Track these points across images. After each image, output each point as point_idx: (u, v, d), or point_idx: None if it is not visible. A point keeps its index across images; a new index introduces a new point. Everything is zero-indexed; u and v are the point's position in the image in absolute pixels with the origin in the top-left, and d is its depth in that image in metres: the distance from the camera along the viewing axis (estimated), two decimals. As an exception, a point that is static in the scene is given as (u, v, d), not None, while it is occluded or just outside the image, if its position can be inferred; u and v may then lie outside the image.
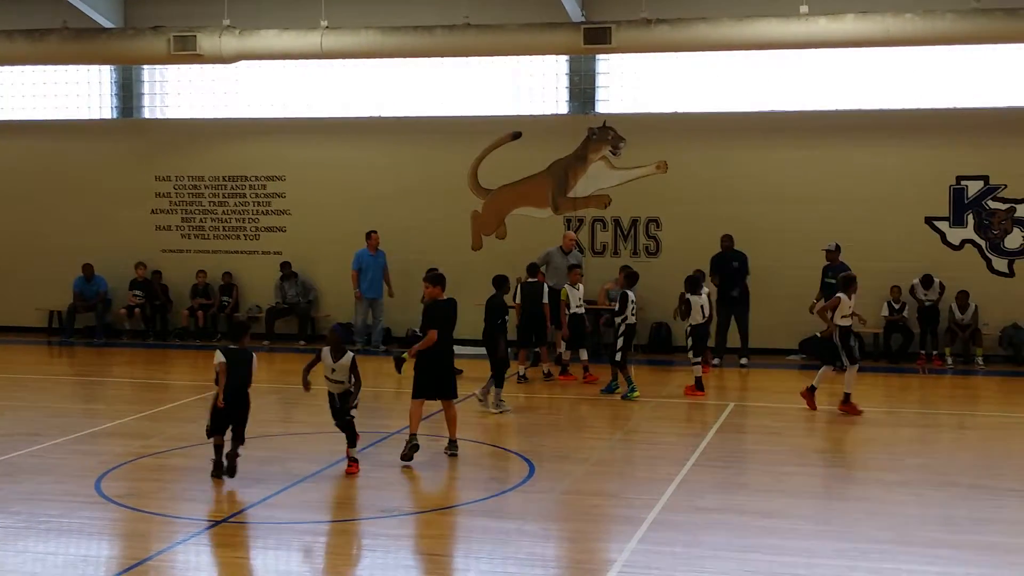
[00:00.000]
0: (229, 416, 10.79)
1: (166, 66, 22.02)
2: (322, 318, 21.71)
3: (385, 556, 9.21)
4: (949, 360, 19.00)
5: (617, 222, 20.66)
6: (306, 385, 11.16)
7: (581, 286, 17.47)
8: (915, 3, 17.47)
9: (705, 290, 16.73)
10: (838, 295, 14.90)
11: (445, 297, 11.94)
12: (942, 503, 10.53)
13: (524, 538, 9.39)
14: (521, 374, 17.44)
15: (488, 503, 10.42)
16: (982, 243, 19.38)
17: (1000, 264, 19.35)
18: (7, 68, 22.67)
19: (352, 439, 11.17)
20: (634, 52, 19.17)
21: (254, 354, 11.07)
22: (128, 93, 22.76)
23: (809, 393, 14.95)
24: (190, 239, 22.51)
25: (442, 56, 19.86)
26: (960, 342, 19.16)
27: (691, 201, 20.22)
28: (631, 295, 15.97)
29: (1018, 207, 19.23)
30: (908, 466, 12.10)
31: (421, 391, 11.78)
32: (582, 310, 17.39)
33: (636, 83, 20.70)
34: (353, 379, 11.10)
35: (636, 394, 15.60)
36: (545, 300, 16.93)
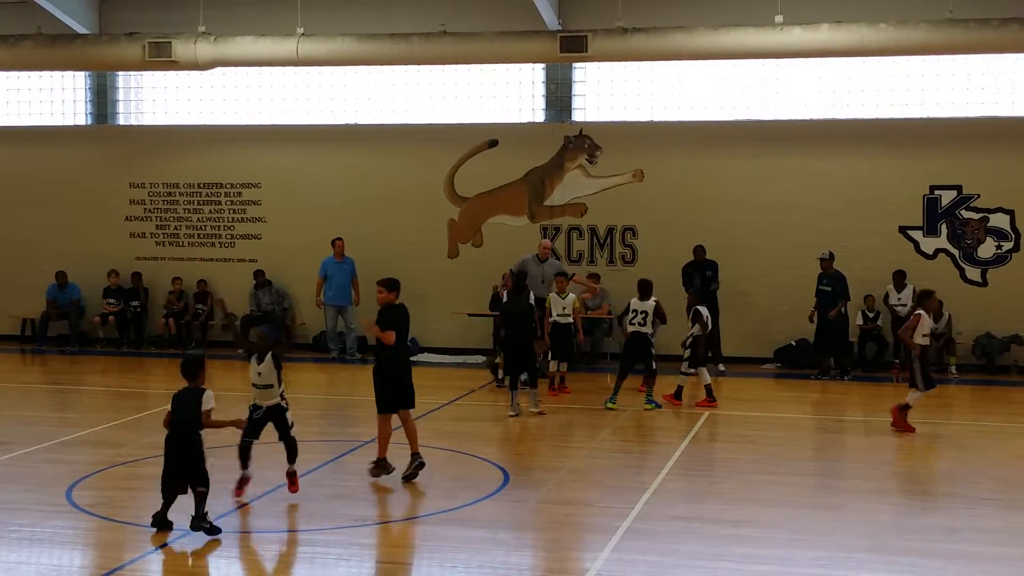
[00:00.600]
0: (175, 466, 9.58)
1: (141, 72, 21.90)
2: (297, 326, 21.64)
3: (359, 565, 9.17)
4: (923, 369, 19.05)
5: (593, 230, 20.68)
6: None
7: (571, 295, 17.01)
8: (889, 13, 17.58)
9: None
10: (917, 312, 13.97)
11: (398, 303, 11.51)
12: (916, 512, 10.57)
13: (498, 547, 9.37)
14: (499, 379, 17.45)
15: (462, 512, 10.39)
16: (956, 252, 19.49)
17: (973, 273, 19.46)
18: (-19, 74, 22.52)
19: (293, 455, 10.63)
20: (610, 61, 19.21)
21: (206, 392, 9.63)
22: (103, 99, 22.63)
23: (901, 413, 14.07)
24: (165, 246, 22.39)
25: (418, 64, 19.85)
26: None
27: (667, 210, 20.25)
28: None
29: (991, 216, 19.34)
30: (883, 475, 12.15)
31: (385, 404, 11.41)
32: (569, 319, 16.86)
33: (612, 92, 20.73)
34: (278, 375, 10.52)
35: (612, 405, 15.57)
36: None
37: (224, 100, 22.16)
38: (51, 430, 14.17)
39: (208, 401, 9.54)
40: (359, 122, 21.52)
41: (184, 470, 9.49)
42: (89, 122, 22.78)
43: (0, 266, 22.73)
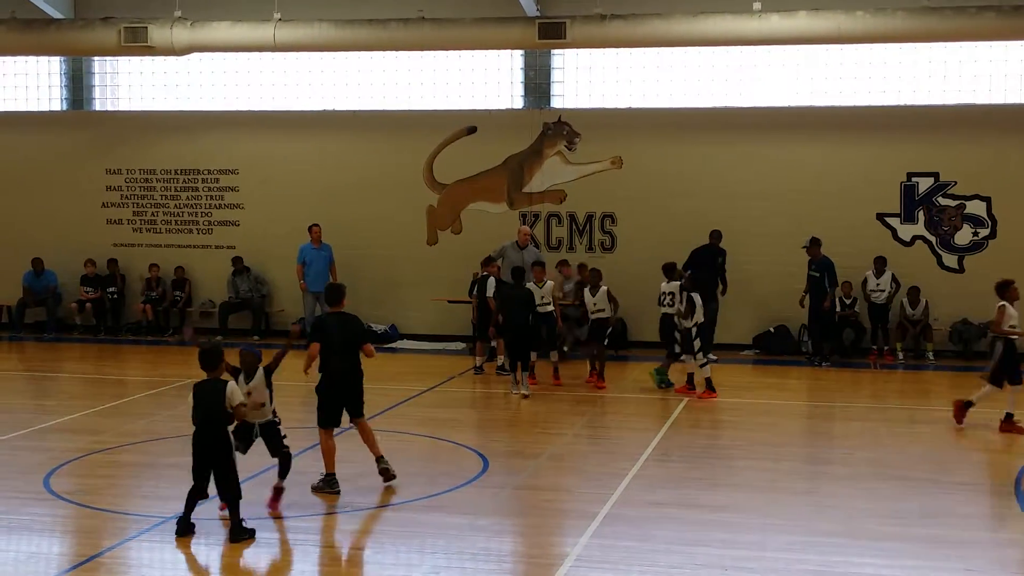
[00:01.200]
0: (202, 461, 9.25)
1: (117, 58, 21.76)
2: (276, 313, 21.59)
3: (338, 552, 9.18)
4: (900, 355, 19.16)
5: (572, 217, 20.69)
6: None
7: (550, 282, 16.97)
8: (867, 1, 17.62)
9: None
10: (1001, 303, 13.43)
11: (343, 311, 10.74)
12: (892, 496, 10.64)
13: (477, 533, 9.40)
14: (478, 366, 17.50)
15: (441, 498, 10.41)
16: (932, 239, 19.58)
17: (950, 260, 19.56)
18: (-45, 59, 22.33)
19: (286, 469, 10.08)
20: (588, 47, 19.22)
21: (229, 385, 9.33)
22: (78, 85, 22.49)
23: (962, 409, 13.73)
24: (142, 233, 22.28)
25: (396, 50, 19.78)
26: (911, 337, 19.34)
27: (646, 196, 20.27)
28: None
29: (968, 203, 19.43)
30: (858, 460, 12.22)
31: (327, 419, 10.63)
32: (549, 308, 16.74)
33: (591, 78, 20.73)
34: (269, 393, 10.00)
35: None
36: (490, 294, 17.03)
37: (201, 86, 22.04)
38: (28, 417, 14.11)
39: (235, 396, 9.19)
40: (337, 108, 21.45)
41: (209, 473, 9.15)
42: (64, 108, 22.63)
43: (-25, 253, 22.59)
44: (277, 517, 9.78)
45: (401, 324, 20.89)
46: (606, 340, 16.65)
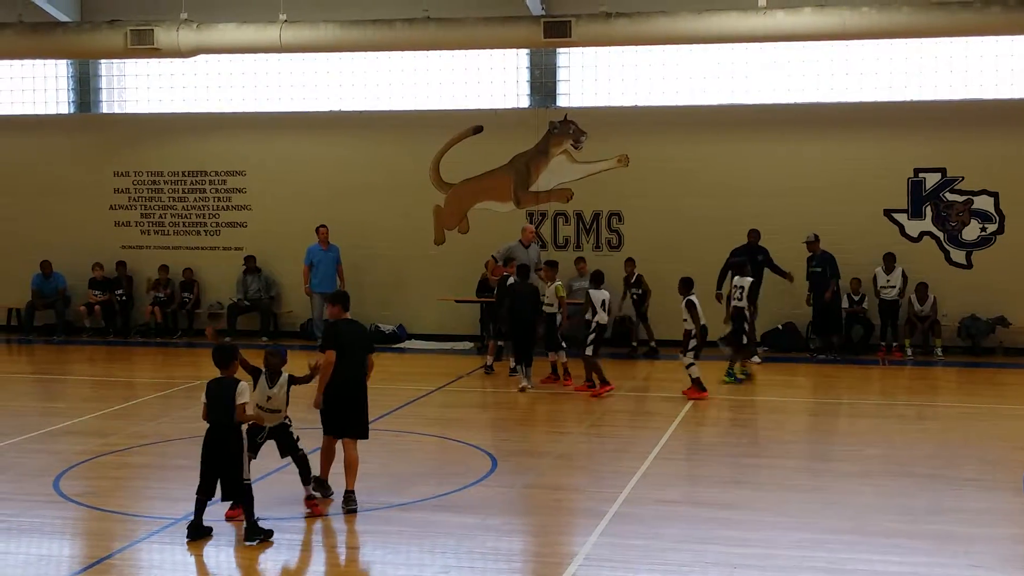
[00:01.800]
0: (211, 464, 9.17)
1: (123, 60, 21.80)
2: (284, 314, 21.63)
3: (349, 552, 9.19)
4: (909, 351, 19.14)
5: (579, 216, 20.69)
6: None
7: (558, 283, 16.76)
8: (872, -3, 17.61)
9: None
10: None
11: (349, 318, 10.58)
12: (901, 493, 10.63)
13: (486, 532, 9.41)
14: (488, 365, 17.49)
15: (450, 498, 10.42)
16: (940, 235, 19.55)
17: (958, 256, 19.53)
18: (-38, 63, 22.40)
19: (307, 472, 10.02)
20: (594, 46, 19.20)
21: (240, 384, 9.22)
22: (85, 88, 22.53)
23: None
24: (150, 235, 22.33)
25: (402, 50, 19.79)
26: (919, 333, 19.31)
27: (653, 195, 20.26)
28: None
29: (975, 199, 19.40)
30: (867, 457, 12.21)
31: (330, 427, 10.31)
32: (554, 308, 16.58)
33: (597, 77, 20.72)
34: (287, 402, 9.94)
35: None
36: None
37: (207, 88, 22.07)
38: (37, 420, 14.14)
39: (242, 394, 9.09)
40: (343, 109, 21.47)
41: (218, 474, 9.08)
42: (72, 111, 22.68)
43: (-16, 256, 22.66)
44: (321, 515, 9.86)
45: (409, 324, 20.92)
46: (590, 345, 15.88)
